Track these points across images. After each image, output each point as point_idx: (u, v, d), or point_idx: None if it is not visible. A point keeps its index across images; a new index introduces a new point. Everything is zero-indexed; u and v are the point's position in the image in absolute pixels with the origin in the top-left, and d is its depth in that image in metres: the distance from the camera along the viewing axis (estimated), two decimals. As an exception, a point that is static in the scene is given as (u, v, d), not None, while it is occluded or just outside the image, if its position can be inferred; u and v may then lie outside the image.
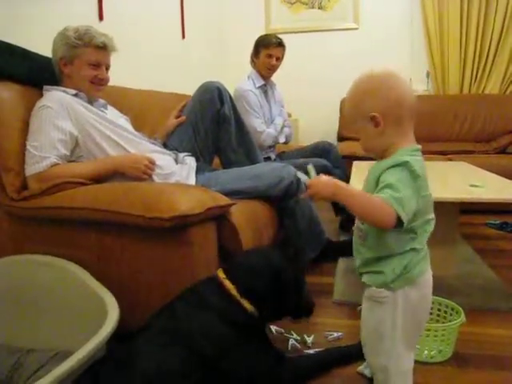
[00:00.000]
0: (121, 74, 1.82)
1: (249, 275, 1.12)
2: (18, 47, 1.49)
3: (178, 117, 1.97)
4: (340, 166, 2.58)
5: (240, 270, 1.14)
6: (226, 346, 1.02)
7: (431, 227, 0.94)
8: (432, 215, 0.94)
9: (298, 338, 1.41)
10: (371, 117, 0.89)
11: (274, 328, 1.46)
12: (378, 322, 0.95)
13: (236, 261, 1.20)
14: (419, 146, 0.92)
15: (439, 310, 1.38)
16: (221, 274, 1.13)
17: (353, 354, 1.24)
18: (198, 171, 1.76)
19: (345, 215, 2.60)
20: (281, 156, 2.76)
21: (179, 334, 0.99)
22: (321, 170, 2.27)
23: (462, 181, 1.88)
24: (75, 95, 1.53)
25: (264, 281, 1.12)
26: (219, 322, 1.04)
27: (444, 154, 3.26)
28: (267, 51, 2.59)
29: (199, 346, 0.98)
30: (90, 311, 1.17)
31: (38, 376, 1.11)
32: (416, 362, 1.02)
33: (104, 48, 1.55)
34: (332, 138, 3.52)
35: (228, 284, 1.10)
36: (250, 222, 1.52)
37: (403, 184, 0.84)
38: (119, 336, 1.02)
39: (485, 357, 1.30)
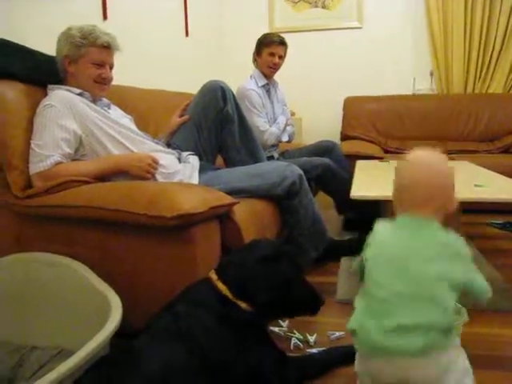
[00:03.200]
0: (125, 73, 1.83)
1: (239, 274, 1.11)
2: (23, 46, 1.49)
3: (181, 116, 1.98)
4: (343, 165, 2.58)
5: (230, 269, 1.13)
6: (226, 347, 1.02)
7: (370, 301, 1.00)
8: (375, 290, 0.98)
9: (301, 337, 1.41)
10: None
11: (276, 328, 1.46)
12: None
13: (225, 260, 1.19)
14: (402, 217, 1.00)
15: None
16: (213, 276, 1.12)
17: (355, 353, 1.24)
18: (201, 170, 1.76)
19: (350, 214, 2.60)
20: (284, 155, 2.76)
21: (181, 334, 0.99)
22: (324, 169, 2.31)
23: (465, 180, 1.87)
24: (79, 94, 1.53)
25: (254, 277, 1.10)
26: (219, 323, 1.03)
27: (447, 154, 3.25)
28: (269, 50, 2.59)
29: (201, 347, 0.98)
30: (93, 309, 1.18)
31: (41, 374, 1.11)
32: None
33: (108, 47, 1.56)
34: (335, 137, 3.50)
35: (221, 286, 1.09)
36: (253, 221, 1.52)
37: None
38: (122, 335, 1.02)
39: (488, 357, 1.29)
